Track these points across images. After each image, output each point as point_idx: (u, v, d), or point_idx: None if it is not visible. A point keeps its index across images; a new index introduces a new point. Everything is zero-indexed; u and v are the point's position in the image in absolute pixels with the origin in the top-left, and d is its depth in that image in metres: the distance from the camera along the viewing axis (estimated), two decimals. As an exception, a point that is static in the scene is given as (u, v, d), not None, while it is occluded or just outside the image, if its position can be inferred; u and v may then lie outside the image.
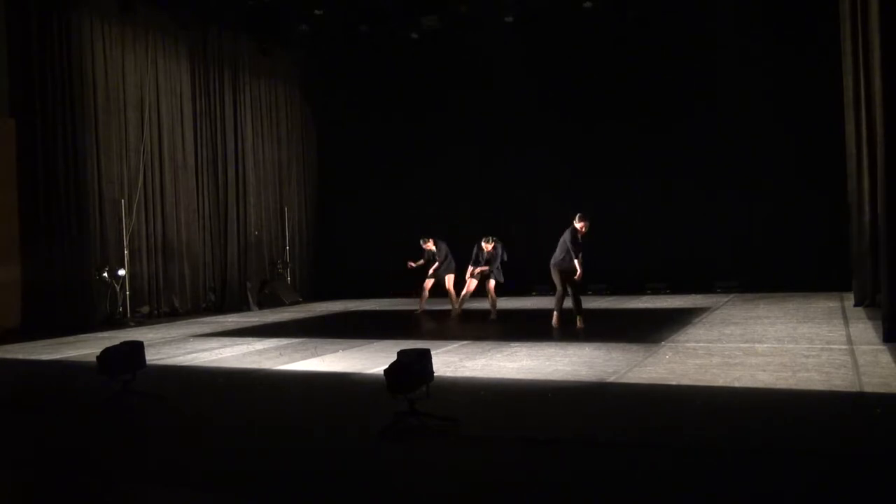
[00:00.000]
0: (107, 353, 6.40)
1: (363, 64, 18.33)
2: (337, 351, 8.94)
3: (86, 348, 10.10)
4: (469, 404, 5.80)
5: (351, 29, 17.18)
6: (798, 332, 8.86)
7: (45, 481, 4.59)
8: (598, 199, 16.05)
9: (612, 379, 6.50)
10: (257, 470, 4.48)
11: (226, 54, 16.80)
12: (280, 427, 5.53)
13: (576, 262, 9.97)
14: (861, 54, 10.24)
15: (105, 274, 13.77)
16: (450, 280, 12.80)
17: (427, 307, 13.34)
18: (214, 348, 9.84)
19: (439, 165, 17.53)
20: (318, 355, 8.67)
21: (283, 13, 16.72)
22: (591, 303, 13.70)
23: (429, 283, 13.00)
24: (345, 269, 18.42)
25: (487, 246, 11.75)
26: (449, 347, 8.73)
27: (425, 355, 5.23)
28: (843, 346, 7.63)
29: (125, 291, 14.16)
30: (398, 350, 5.26)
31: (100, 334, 11.91)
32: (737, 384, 6.03)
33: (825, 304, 11.72)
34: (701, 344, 8.26)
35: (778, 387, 5.86)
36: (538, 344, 8.65)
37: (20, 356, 9.94)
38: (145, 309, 14.79)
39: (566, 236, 10.09)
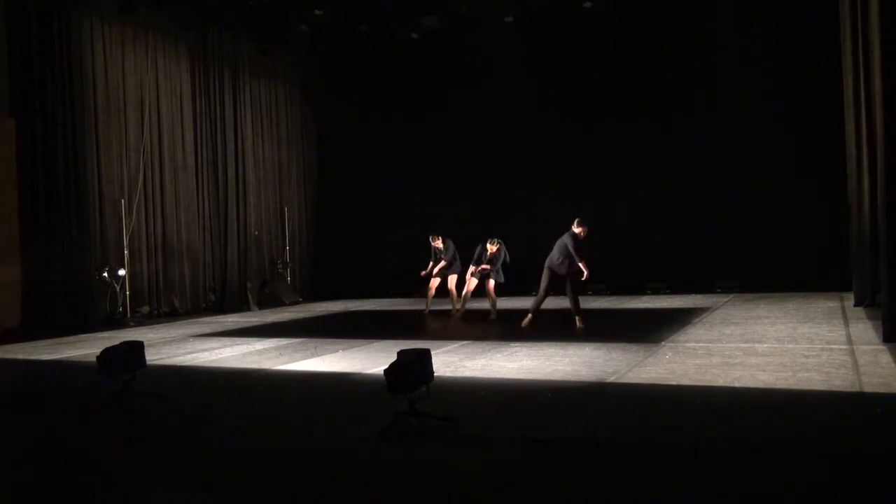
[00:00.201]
0: (107, 353, 6.40)
1: (363, 64, 18.33)
2: (337, 351, 8.94)
3: (86, 348, 10.10)
4: (469, 404, 5.80)
5: (351, 29, 17.18)
6: (798, 332, 8.86)
7: (45, 481, 4.59)
8: (598, 199, 16.09)
9: (612, 379, 6.50)
10: (257, 470, 4.48)
11: (226, 54, 16.80)
12: (280, 427, 5.53)
13: (581, 264, 9.97)
14: (861, 54, 10.24)
15: (105, 274, 13.77)
16: (452, 280, 12.76)
17: (433, 307, 13.28)
18: (214, 348, 9.84)
19: (439, 165, 17.53)
20: (318, 355, 8.67)
21: (283, 13, 16.72)
22: (591, 303, 13.71)
23: (434, 282, 12.93)
24: (345, 269, 18.42)
25: (493, 247, 11.77)
26: (449, 347, 8.73)
27: (425, 355, 5.24)
28: (843, 346, 7.63)
29: (125, 291, 14.17)
30: (398, 350, 5.26)
31: (100, 334, 11.91)
32: (737, 384, 6.03)
33: (825, 304, 11.72)
34: (701, 344, 8.26)
35: (778, 387, 5.86)
36: (538, 344, 8.65)
37: (20, 356, 9.94)
38: (145, 309, 14.79)
39: (567, 241, 10.09)
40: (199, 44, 16.32)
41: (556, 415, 5.50)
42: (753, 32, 14.80)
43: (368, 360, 8.14)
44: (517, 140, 16.89)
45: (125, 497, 4.26)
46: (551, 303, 11.76)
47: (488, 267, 11.78)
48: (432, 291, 13.06)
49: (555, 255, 10.21)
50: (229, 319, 14.08)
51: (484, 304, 12.37)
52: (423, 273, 12.85)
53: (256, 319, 13.90)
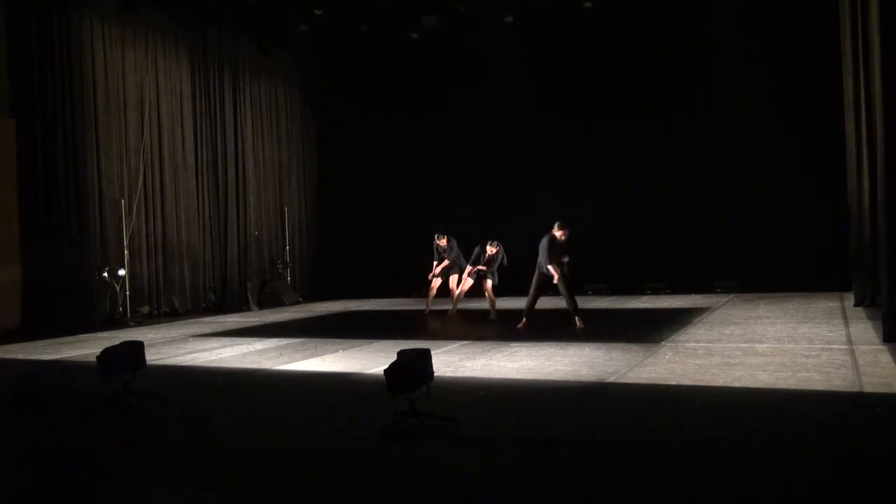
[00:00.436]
0: (107, 353, 6.40)
1: (363, 64, 18.33)
2: (337, 351, 8.94)
3: (86, 348, 10.10)
4: (469, 404, 5.80)
5: (351, 29, 17.18)
6: (798, 332, 8.86)
7: (45, 481, 4.59)
8: (598, 199, 16.12)
9: (612, 379, 6.50)
10: (257, 470, 4.48)
11: (226, 54, 16.80)
12: (280, 427, 5.53)
13: (550, 267, 9.98)
14: (861, 54, 10.24)
15: (105, 274, 13.77)
16: (454, 280, 12.75)
17: (433, 307, 13.26)
18: (214, 348, 9.84)
19: (439, 165, 17.53)
20: (318, 355, 8.67)
21: (283, 13, 16.72)
22: (591, 303, 13.71)
23: (436, 282, 12.90)
24: (345, 269, 18.42)
25: (492, 249, 11.79)
26: (449, 347, 8.73)
27: (425, 355, 5.24)
28: (843, 346, 7.63)
29: (125, 291, 14.16)
30: (398, 350, 5.26)
31: (100, 334, 11.90)
32: (737, 384, 6.03)
33: (825, 304, 11.72)
34: (701, 344, 8.25)
35: (778, 387, 5.86)
36: (538, 344, 8.65)
37: (20, 356, 9.94)
38: (145, 309, 14.79)
39: (543, 242, 10.12)
40: (199, 44, 16.32)
41: (556, 415, 5.50)
42: (753, 32, 14.80)
43: (368, 360, 8.13)
44: (517, 140, 16.89)
45: (125, 497, 4.26)
46: (551, 303, 11.78)
47: (484, 268, 11.81)
48: (433, 291, 13.04)
49: (539, 256, 10.27)
50: (229, 319, 14.08)
51: (484, 304, 12.37)
52: (430, 276, 12.80)
53: (256, 319, 13.90)
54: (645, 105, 15.70)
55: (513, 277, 12.31)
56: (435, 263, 12.76)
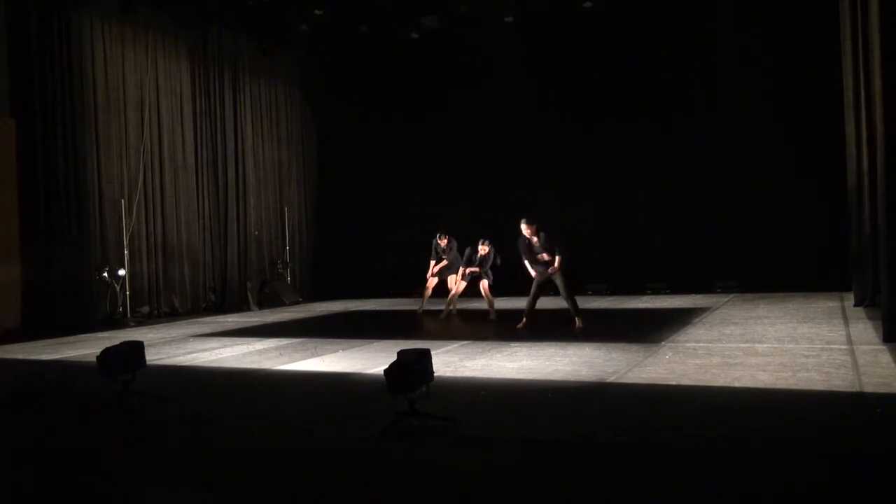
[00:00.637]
0: (107, 353, 6.40)
1: (363, 64, 18.33)
2: (337, 351, 8.94)
3: (86, 348, 10.10)
4: (469, 404, 5.80)
5: (351, 29, 17.17)
6: (798, 332, 8.86)
7: (45, 481, 4.59)
8: (598, 199, 16.12)
9: (612, 379, 6.50)
10: (257, 470, 4.48)
11: (226, 54, 16.79)
12: (280, 427, 5.53)
13: (527, 264, 10.00)
14: (861, 54, 10.23)
15: (105, 274, 13.76)
16: (452, 280, 12.74)
17: (427, 307, 13.27)
18: (214, 348, 9.84)
19: (439, 165, 17.53)
20: (318, 355, 8.67)
21: (283, 13, 16.72)
22: (591, 303, 13.71)
23: (433, 282, 12.90)
24: (345, 269, 18.42)
25: (484, 248, 11.78)
26: (449, 347, 8.73)
27: (425, 355, 5.24)
28: (843, 346, 7.63)
29: (125, 291, 14.16)
30: (398, 350, 5.26)
31: (100, 334, 11.90)
32: (737, 384, 6.03)
33: (825, 304, 11.72)
34: (701, 344, 8.25)
35: (778, 387, 5.86)
36: (538, 344, 8.65)
37: (20, 356, 9.94)
38: (145, 309, 14.78)
39: (518, 244, 10.18)
40: (199, 44, 16.32)
41: (556, 415, 5.50)
42: (753, 32, 14.79)
43: (368, 360, 8.13)
44: (517, 140, 16.89)
45: (125, 497, 4.26)
46: (551, 303, 11.79)
47: (477, 270, 11.81)
48: (429, 291, 13.04)
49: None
50: (229, 319, 14.08)
51: (483, 305, 12.36)
52: (428, 275, 12.81)
53: (256, 319, 13.90)
54: (645, 105, 15.69)
55: (513, 277, 12.30)
56: (433, 263, 12.76)
